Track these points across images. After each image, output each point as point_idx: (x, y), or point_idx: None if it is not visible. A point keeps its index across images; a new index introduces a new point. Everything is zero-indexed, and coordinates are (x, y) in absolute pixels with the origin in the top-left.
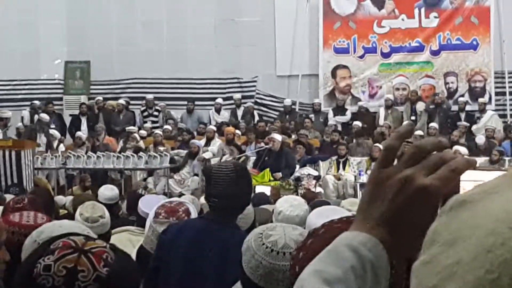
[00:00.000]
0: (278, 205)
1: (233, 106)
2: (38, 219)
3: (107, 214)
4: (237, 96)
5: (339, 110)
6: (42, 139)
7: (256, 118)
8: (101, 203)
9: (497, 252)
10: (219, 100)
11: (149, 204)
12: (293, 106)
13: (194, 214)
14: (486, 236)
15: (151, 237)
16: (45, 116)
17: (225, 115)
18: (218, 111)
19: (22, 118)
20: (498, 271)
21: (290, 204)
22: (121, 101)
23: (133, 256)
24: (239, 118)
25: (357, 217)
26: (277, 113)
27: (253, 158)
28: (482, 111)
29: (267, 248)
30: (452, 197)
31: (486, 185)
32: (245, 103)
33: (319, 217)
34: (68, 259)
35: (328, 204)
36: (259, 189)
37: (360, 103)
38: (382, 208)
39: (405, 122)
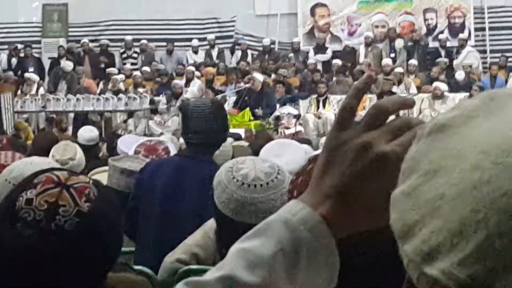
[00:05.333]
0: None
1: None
2: (16, 158)
3: (78, 155)
4: (211, 36)
5: (320, 48)
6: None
7: (238, 57)
8: (81, 144)
9: (483, 190)
10: (195, 41)
11: (127, 144)
12: (272, 46)
13: (173, 153)
14: (471, 170)
15: (113, 174)
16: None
17: (201, 56)
18: (195, 52)
19: (0, 61)
20: (484, 210)
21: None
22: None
23: None
24: (214, 58)
25: (310, 185)
26: (256, 53)
27: (232, 99)
28: (462, 46)
29: (237, 182)
30: (431, 121)
31: (465, 107)
32: (222, 43)
33: (270, 155)
34: (49, 194)
35: (309, 142)
36: (233, 131)
37: (345, 42)
38: (335, 178)
39: (364, 75)
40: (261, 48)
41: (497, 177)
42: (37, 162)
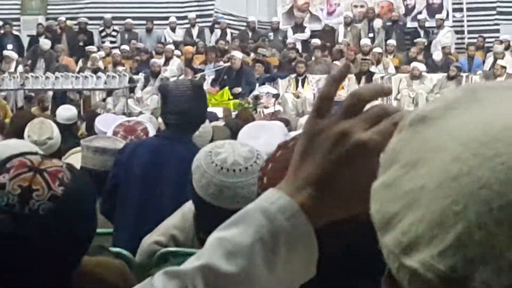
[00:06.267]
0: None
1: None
2: None
3: (55, 133)
4: (192, 15)
5: (298, 28)
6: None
7: (217, 36)
8: (59, 123)
9: (462, 182)
10: (173, 19)
11: (105, 123)
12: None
13: (152, 133)
14: (451, 162)
15: (87, 155)
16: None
17: (180, 34)
18: (173, 30)
19: None
20: (463, 202)
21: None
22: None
23: None
24: (195, 37)
25: (287, 173)
26: (237, 32)
27: (211, 78)
28: (439, 27)
29: (216, 166)
30: (412, 112)
31: (445, 99)
32: (201, 22)
33: (248, 137)
34: (23, 178)
35: (288, 122)
36: (211, 110)
37: (324, 22)
38: (312, 166)
39: (341, 64)
40: (240, 27)
41: (476, 169)
42: (16, 145)
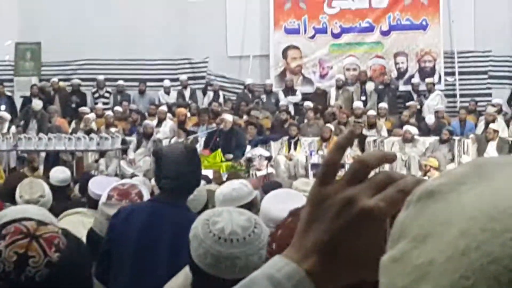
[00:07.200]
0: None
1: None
2: None
3: (46, 191)
4: (183, 77)
5: (289, 91)
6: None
7: (210, 98)
8: (53, 185)
9: (471, 257)
10: (167, 82)
11: (99, 186)
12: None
13: (146, 197)
14: (460, 236)
15: (100, 219)
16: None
17: (173, 96)
18: (167, 92)
19: None
20: (473, 277)
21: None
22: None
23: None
24: (187, 99)
25: (294, 240)
26: (230, 94)
27: (203, 139)
28: (430, 91)
29: (214, 236)
30: (419, 187)
31: (453, 174)
32: (194, 84)
33: (275, 201)
34: (19, 245)
35: (280, 185)
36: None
37: (316, 85)
38: (318, 233)
39: (346, 131)
40: (233, 89)
41: (485, 244)
42: (30, 211)
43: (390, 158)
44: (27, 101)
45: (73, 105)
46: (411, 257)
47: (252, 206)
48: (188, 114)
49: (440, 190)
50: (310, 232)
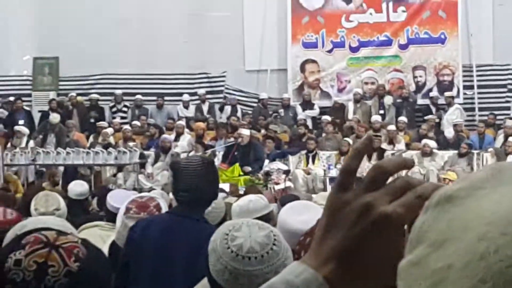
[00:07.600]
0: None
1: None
2: (7, 214)
3: (62, 204)
4: (202, 91)
5: (307, 104)
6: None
7: (228, 113)
8: (71, 199)
9: (490, 260)
10: (186, 97)
11: (117, 199)
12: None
13: (164, 209)
14: (478, 241)
15: (122, 232)
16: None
17: (191, 110)
18: (186, 107)
19: None
20: (492, 281)
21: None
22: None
23: (105, 251)
24: (205, 113)
25: (312, 246)
26: (247, 108)
27: (221, 153)
28: (449, 104)
29: (232, 253)
30: (438, 191)
31: (472, 179)
32: (212, 98)
33: (292, 213)
34: (38, 254)
35: (298, 198)
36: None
37: (334, 98)
38: (336, 240)
39: (364, 136)
40: (251, 103)
41: (504, 248)
42: (50, 222)
43: (409, 164)
44: (45, 115)
45: (91, 120)
46: (429, 261)
47: (269, 219)
48: (206, 128)
49: (459, 195)
50: (328, 239)
